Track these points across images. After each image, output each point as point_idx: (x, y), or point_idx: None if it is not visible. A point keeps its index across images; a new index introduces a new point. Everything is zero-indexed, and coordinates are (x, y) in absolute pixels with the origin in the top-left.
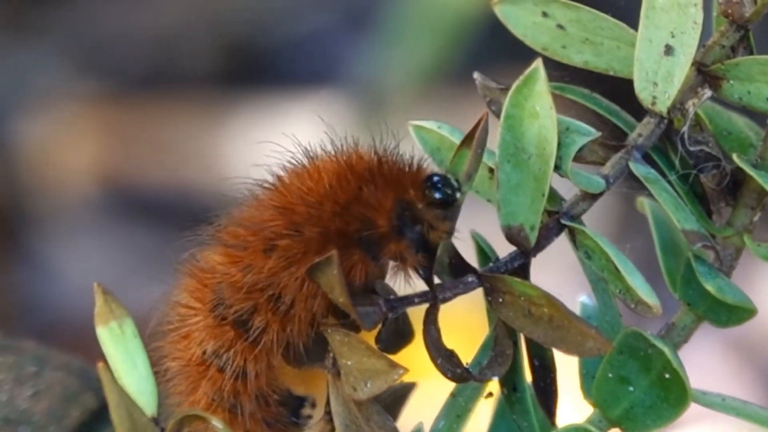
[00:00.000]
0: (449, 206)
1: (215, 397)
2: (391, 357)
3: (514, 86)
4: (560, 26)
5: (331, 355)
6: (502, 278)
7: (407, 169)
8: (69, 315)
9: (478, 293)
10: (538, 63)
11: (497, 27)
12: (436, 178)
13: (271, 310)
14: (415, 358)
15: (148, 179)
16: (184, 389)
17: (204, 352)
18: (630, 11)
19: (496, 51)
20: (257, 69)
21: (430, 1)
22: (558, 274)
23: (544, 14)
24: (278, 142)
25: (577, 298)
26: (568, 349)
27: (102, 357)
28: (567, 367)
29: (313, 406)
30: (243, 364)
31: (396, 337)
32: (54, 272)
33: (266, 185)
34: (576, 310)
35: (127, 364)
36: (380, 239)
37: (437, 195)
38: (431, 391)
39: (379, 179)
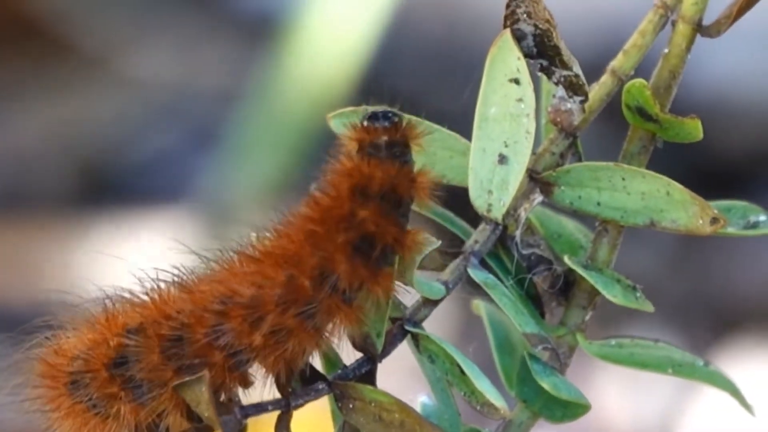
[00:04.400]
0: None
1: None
2: None
3: None
4: None
5: None
6: (353, 386)
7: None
8: None
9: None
10: None
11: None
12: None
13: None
14: None
15: (3, 298)
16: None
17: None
18: (464, 122)
19: None
20: (109, 188)
21: (273, 117)
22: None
23: None
24: (130, 258)
25: (416, 397)
26: None
27: None
28: None
29: None
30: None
31: None
32: None
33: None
34: (416, 408)
35: None
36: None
37: (385, 123)
38: None
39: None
